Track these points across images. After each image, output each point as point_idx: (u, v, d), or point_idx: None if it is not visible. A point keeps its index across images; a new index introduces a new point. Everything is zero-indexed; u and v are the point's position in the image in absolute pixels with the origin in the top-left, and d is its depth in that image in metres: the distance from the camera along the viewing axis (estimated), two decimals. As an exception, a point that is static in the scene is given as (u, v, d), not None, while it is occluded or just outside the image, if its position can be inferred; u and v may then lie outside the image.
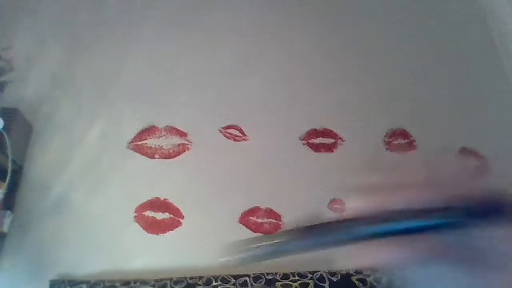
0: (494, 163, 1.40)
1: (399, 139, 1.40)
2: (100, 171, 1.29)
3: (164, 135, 1.34)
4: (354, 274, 1.14)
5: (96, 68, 1.42)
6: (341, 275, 1.14)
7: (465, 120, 1.44)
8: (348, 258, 0.24)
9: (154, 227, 1.24)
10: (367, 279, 1.13)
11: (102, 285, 1.12)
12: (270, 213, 1.28)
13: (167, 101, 1.39)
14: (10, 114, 1.19)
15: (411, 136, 1.41)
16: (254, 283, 1.13)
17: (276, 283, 1.13)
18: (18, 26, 1.43)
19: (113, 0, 1.53)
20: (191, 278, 1.14)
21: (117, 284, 1.13)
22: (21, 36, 1.42)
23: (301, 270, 1.16)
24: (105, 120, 1.35)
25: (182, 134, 1.35)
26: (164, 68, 1.44)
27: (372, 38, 1.55)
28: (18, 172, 1.23)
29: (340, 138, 1.38)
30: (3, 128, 1.04)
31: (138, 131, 1.34)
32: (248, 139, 1.36)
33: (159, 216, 1.25)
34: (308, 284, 1.13)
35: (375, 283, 1.12)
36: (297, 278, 1.14)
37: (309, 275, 1.14)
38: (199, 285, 1.13)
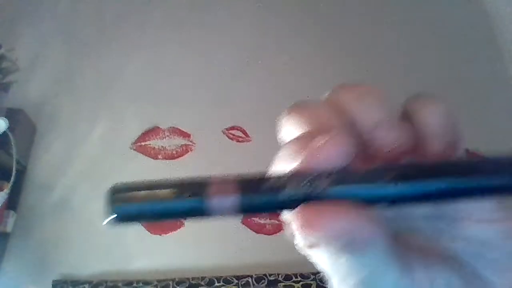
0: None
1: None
2: (103, 172, 1.30)
3: (168, 136, 1.35)
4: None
5: (100, 70, 1.43)
6: (344, 276, 1.14)
7: (467, 121, 1.44)
8: None
9: (157, 227, 1.24)
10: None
11: (104, 285, 1.13)
12: (272, 214, 1.28)
13: (170, 102, 1.40)
14: (15, 114, 1.20)
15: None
16: (256, 284, 1.13)
17: (279, 284, 1.13)
18: (23, 27, 1.44)
19: (116, 2, 1.54)
20: (193, 278, 1.14)
21: (120, 284, 1.13)
22: (26, 37, 1.43)
23: (304, 271, 1.16)
24: (108, 121, 1.36)
25: (185, 135, 1.35)
26: (167, 69, 1.45)
27: (373, 38, 1.55)
28: (22, 172, 1.24)
29: (343, 140, 1.38)
30: (8, 128, 1.05)
31: (142, 132, 1.35)
32: (251, 140, 1.36)
33: (162, 217, 1.26)
34: (310, 285, 1.13)
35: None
36: (299, 279, 1.14)
37: (312, 276, 1.14)
38: (202, 285, 1.13)
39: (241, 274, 1.16)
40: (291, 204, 0.15)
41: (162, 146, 1.34)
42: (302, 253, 0.18)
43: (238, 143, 1.36)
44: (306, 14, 1.58)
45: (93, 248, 1.21)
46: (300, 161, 0.15)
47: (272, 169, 0.16)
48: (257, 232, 1.26)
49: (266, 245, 1.24)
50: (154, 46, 1.48)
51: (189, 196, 0.15)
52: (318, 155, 0.15)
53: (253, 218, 1.27)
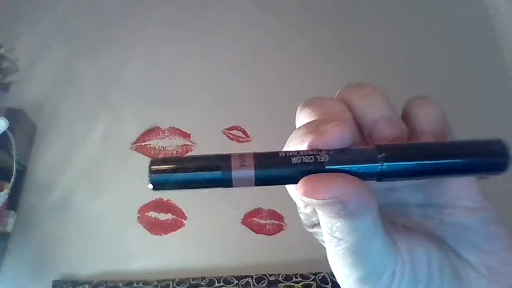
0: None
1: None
2: (103, 172, 1.30)
3: (168, 136, 1.35)
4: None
5: (100, 70, 1.43)
6: (344, 276, 1.14)
7: (467, 121, 1.44)
8: None
9: (157, 228, 1.24)
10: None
11: (104, 285, 1.13)
12: (272, 214, 1.28)
13: (170, 102, 1.40)
14: (15, 114, 1.20)
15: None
16: (256, 284, 1.13)
17: (279, 284, 1.13)
18: (23, 27, 1.44)
19: (115, 2, 1.54)
20: (193, 279, 1.14)
21: (120, 285, 1.13)
22: (26, 37, 1.43)
23: (304, 271, 1.16)
24: (108, 121, 1.36)
25: (185, 135, 1.35)
26: (167, 68, 1.45)
27: (373, 39, 1.55)
28: (22, 172, 1.24)
29: (343, 140, 1.38)
30: (8, 128, 1.05)
31: (141, 132, 1.35)
32: (251, 140, 1.36)
33: (162, 217, 1.26)
34: (311, 285, 1.13)
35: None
36: (299, 279, 1.14)
37: (312, 277, 1.14)
38: (202, 286, 1.13)
39: (241, 274, 1.16)
40: (298, 177, 0.18)
41: (162, 146, 1.34)
42: (307, 229, 0.22)
43: (238, 143, 1.36)
44: (307, 14, 1.58)
45: (93, 248, 1.21)
46: (308, 141, 0.18)
47: (284, 148, 0.19)
48: (257, 232, 1.26)
49: (267, 245, 1.24)
50: (154, 46, 1.48)
51: (214, 168, 0.18)
52: (323, 137, 0.18)
53: (253, 219, 1.27)
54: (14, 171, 1.09)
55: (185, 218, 1.26)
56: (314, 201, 0.17)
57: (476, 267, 0.19)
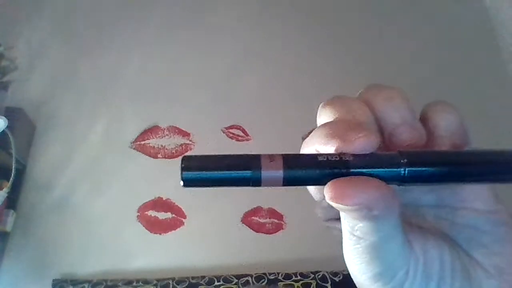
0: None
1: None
2: (103, 171, 1.30)
3: (167, 135, 1.35)
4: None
5: (99, 68, 1.43)
6: (343, 275, 1.14)
7: (467, 121, 1.44)
8: None
9: (156, 226, 1.24)
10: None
11: (104, 284, 1.13)
12: (272, 213, 1.28)
13: (170, 101, 1.40)
14: (14, 113, 1.20)
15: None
16: (256, 283, 1.13)
17: (279, 283, 1.13)
18: (22, 26, 1.44)
19: (115, 1, 1.54)
20: (193, 278, 1.14)
21: (119, 284, 1.13)
22: (25, 36, 1.43)
23: (304, 270, 1.16)
24: (108, 120, 1.36)
25: (184, 134, 1.35)
26: (166, 67, 1.45)
27: (373, 39, 1.55)
28: (21, 171, 1.23)
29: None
30: (7, 127, 1.04)
31: (141, 131, 1.35)
32: (250, 139, 1.36)
33: (161, 216, 1.26)
34: (310, 284, 1.13)
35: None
36: (299, 278, 1.14)
37: (311, 275, 1.14)
38: (201, 284, 1.13)
39: (241, 273, 1.16)
40: (324, 179, 0.18)
41: (161, 145, 1.33)
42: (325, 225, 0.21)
43: (237, 142, 1.36)
44: (306, 14, 1.58)
45: (93, 247, 1.21)
46: (334, 145, 0.18)
47: (305, 145, 0.20)
48: (257, 231, 1.26)
49: (266, 244, 1.25)
50: (153, 45, 1.48)
51: (244, 168, 0.18)
52: (350, 145, 0.18)
53: (253, 217, 1.27)
54: (13, 170, 1.09)
55: (185, 217, 1.26)
56: (342, 206, 0.17)
57: (486, 268, 0.20)
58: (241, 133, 1.37)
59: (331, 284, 1.13)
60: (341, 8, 1.60)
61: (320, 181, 0.18)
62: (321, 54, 1.51)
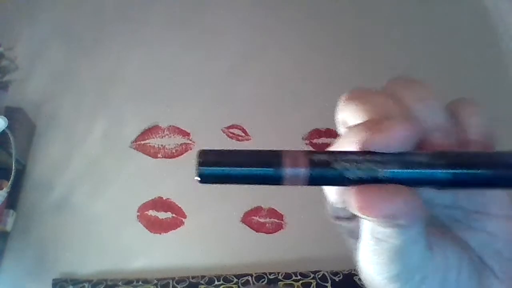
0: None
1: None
2: (103, 171, 1.30)
3: (167, 135, 1.35)
4: (356, 274, 1.13)
5: (99, 68, 1.43)
6: (344, 274, 1.14)
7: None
8: None
9: (156, 226, 1.25)
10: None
11: (104, 284, 1.13)
12: (272, 213, 1.28)
13: (170, 100, 1.40)
14: (14, 113, 1.20)
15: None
16: (256, 282, 1.13)
17: (279, 282, 1.13)
18: (22, 26, 1.44)
19: (115, 1, 1.54)
20: (193, 277, 1.14)
21: (120, 283, 1.13)
22: (25, 36, 1.43)
23: (304, 269, 1.16)
24: (108, 119, 1.36)
25: (185, 133, 1.35)
26: (167, 67, 1.45)
27: (372, 39, 1.55)
28: (21, 171, 1.23)
29: (343, 138, 1.38)
30: (8, 127, 1.04)
31: (141, 130, 1.35)
32: (250, 139, 1.36)
33: (161, 216, 1.26)
34: (310, 283, 1.13)
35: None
36: (299, 277, 1.14)
37: (312, 275, 1.14)
38: (202, 284, 1.13)
39: (241, 272, 1.16)
40: (352, 182, 0.17)
41: (161, 145, 1.33)
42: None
43: (237, 141, 1.36)
44: (306, 13, 1.58)
45: (93, 247, 1.22)
46: (364, 138, 0.17)
47: (338, 147, 0.18)
48: (256, 231, 1.26)
49: (266, 243, 1.25)
50: (153, 45, 1.48)
51: (266, 165, 0.17)
52: (383, 135, 0.16)
53: (253, 217, 1.27)
54: (13, 170, 1.09)
55: (185, 217, 1.26)
56: (368, 217, 0.16)
57: (497, 274, 0.19)
58: (241, 133, 1.37)
59: (331, 284, 1.13)
60: (341, 8, 1.60)
61: (346, 182, 0.17)
62: (321, 55, 1.51)
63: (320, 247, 1.22)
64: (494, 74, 1.54)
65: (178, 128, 1.36)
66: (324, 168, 0.17)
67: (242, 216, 1.27)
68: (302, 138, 1.38)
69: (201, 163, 0.17)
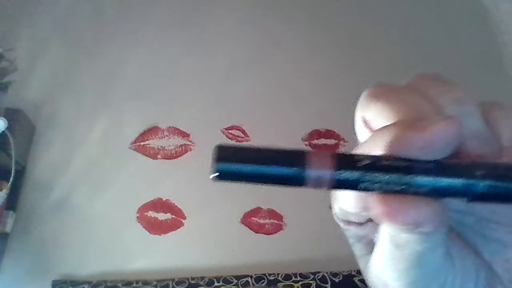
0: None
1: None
2: (102, 172, 1.30)
3: (167, 136, 1.35)
4: (356, 275, 1.14)
5: (99, 69, 1.43)
6: (343, 276, 1.14)
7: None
8: None
9: (156, 227, 1.24)
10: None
11: (104, 285, 1.13)
12: (272, 213, 1.28)
13: (170, 101, 1.40)
14: (14, 114, 1.20)
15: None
16: (256, 283, 1.13)
17: (278, 283, 1.13)
18: (21, 27, 1.44)
19: (114, 2, 1.54)
20: (193, 278, 1.14)
21: (119, 285, 1.13)
22: (25, 37, 1.43)
23: (303, 270, 1.16)
24: (107, 121, 1.36)
25: (184, 135, 1.35)
26: (166, 68, 1.45)
27: (372, 39, 1.55)
28: (21, 172, 1.23)
29: (343, 139, 1.38)
30: (7, 128, 1.04)
31: (141, 131, 1.35)
32: (250, 140, 1.36)
33: (161, 217, 1.26)
34: (310, 284, 1.13)
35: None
36: (299, 278, 1.14)
37: (311, 276, 1.14)
38: (201, 285, 1.13)
39: (241, 273, 1.16)
40: (376, 188, 0.15)
41: (161, 146, 1.34)
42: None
43: (237, 142, 1.36)
44: (306, 14, 1.58)
45: (92, 248, 1.21)
46: (399, 139, 0.15)
47: (366, 150, 0.17)
48: (256, 232, 1.26)
49: (266, 244, 1.25)
50: (153, 47, 1.48)
51: (288, 165, 0.16)
52: (426, 136, 0.15)
53: (252, 218, 1.27)
54: (13, 171, 1.09)
55: (185, 218, 1.26)
56: (390, 225, 0.16)
57: (504, 282, 0.19)
58: (241, 134, 1.37)
59: (331, 285, 1.13)
60: (341, 9, 1.60)
61: (371, 189, 0.16)
62: (320, 55, 1.51)
63: (319, 248, 1.22)
64: (494, 74, 1.54)
65: (178, 129, 1.36)
66: (351, 172, 0.16)
67: (241, 217, 1.27)
68: (302, 139, 1.38)
69: (218, 159, 0.16)
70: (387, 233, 0.17)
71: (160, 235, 1.24)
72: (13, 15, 1.45)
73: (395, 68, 1.49)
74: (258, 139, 1.36)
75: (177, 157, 1.33)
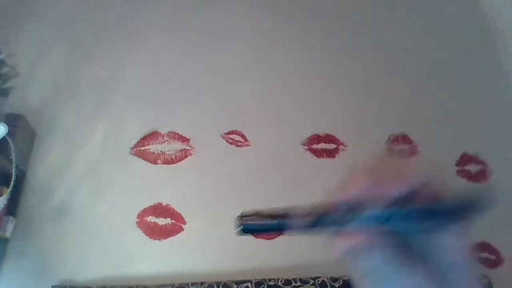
0: (495, 168, 1.40)
1: (401, 144, 1.41)
2: (102, 177, 1.30)
3: (167, 141, 1.35)
4: (356, 280, 1.13)
5: (99, 75, 1.43)
6: (343, 281, 1.14)
7: (466, 124, 1.44)
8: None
9: (156, 232, 1.24)
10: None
11: (104, 290, 1.12)
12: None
13: (170, 107, 1.40)
14: (14, 120, 1.20)
15: (413, 141, 1.41)
16: (256, 289, 1.13)
17: (278, 288, 1.13)
18: (22, 33, 1.45)
19: (115, 6, 1.55)
20: (192, 283, 1.14)
21: (119, 290, 1.13)
22: (26, 43, 1.43)
23: (303, 276, 1.16)
24: (108, 126, 1.36)
25: (184, 139, 1.36)
26: (166, 73, 1.46)
27: (372, 40, 1.56)
28: (21, 177, 1.24)
29: (342, 144, 1.38)
30: (8, 133, 1.05)
31: (141, 136, 1.35)
32: (250, 145, 1.36)
33: (161, 222, 1.26)
34: (310, 289, 1.13)
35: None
36: (299, 284, 1.14)
37: (311, 281, 1.14)
38: (201, 290, 1.12)
39: (241, 279, 1.16)
40: (336, 228, 0.28)
41: (161, 151, 1.34)
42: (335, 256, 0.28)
43: (237, 147, 1.36)
44: (307, 19, 1.59)
45: (92, 253, 1.21)
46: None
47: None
48: (256, 237, 1.26)
49: (266, 250, 1.24)
50: (153, 52, 1.49)
51: (279, 220, 0.31)
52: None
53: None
54: (13, 176, 1.09)
55: (184, 223, 1.26)
56: (345, 248, 0.27)
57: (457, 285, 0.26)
58: (240, 139, 1.37)
59: (331, 290, 1.13)
60: (340, 13, 1.61)
61: (326, 229, 0.28)
62: (320, 61, 1.52)
63: (319, 254, 1.22)
64: (494, 74, 1.55)
65: (178, 134, 1.36)
66: (317, 222, 0.29)
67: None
68: (301, 144, 1.38)
69: (241, 220, 0.30)
70: (353, 262, 0.27)
71: (160, 240, 1.24)
72: (14, 21, 1.46)
73: (396, 74, 1.50)
74: (258, 144, 1.36)
75: (177, 162, 1.33)
